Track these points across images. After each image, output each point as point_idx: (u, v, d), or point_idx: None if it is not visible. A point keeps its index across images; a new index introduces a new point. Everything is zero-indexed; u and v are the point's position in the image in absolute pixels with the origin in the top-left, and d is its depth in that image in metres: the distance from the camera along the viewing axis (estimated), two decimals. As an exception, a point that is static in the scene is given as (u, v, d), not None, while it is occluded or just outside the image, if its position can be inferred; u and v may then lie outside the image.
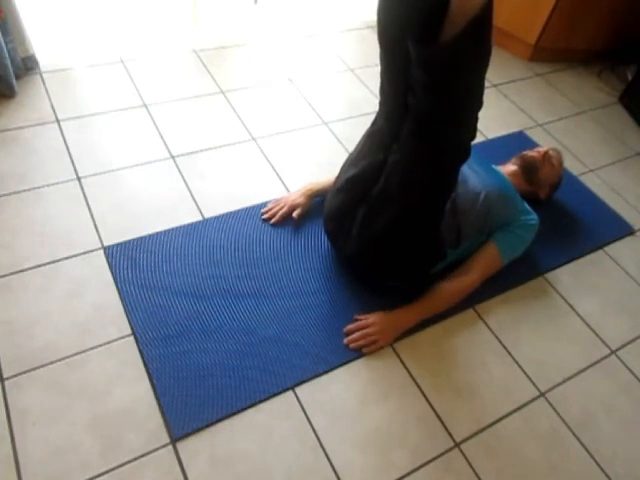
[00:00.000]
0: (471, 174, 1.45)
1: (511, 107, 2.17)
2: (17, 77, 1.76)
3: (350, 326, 1.32)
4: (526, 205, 1.51)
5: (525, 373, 1.33)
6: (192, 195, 1.56)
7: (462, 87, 1.05)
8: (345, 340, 1.29)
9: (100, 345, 1.21)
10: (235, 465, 1.08)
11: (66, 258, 1.36)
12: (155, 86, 1.89)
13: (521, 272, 1.53)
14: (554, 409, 1.27)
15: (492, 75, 2.31)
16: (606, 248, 1.68)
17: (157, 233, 1.44)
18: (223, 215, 1.52)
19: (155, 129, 1.74)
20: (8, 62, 1.64)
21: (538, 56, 2.43)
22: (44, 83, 1.81)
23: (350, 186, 1.29)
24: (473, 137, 1.15)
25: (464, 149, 1.15)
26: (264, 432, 1.13)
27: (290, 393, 1.20)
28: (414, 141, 1.14)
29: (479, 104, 1.09)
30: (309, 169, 1.71)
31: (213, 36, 2.17)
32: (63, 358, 1.18)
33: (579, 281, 1.57)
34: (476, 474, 1.14)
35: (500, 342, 1.38)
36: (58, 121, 1.69)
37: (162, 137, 1.72)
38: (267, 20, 2.32)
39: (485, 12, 0.94)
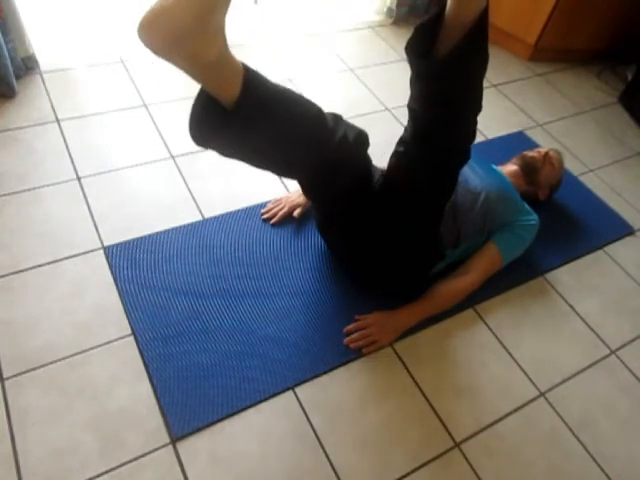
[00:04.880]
0: (471, 174, 1.45)
1: (511, 107, 2.17)
2: (17, 77, 1.76)
3: (350, 326, 1.32)
4: (526, 205, 1.51)
5: (525, 373, 1.33)
6: (192, 195, 1.56)
7: (462, 95, 1.05)
8: (345, 340, 1.29)
9: (100, 345, 1.21)
10: (235, 465, 1.08)
11: (66, 258, 1.36)
12: (155, 86, 1.89)
13: (521, 272, 1.53)
14: (554, 409, 1.27)
15: (492, 75, 2.31)
16: (606, 248, 1.68)
17: (157, 233, 1.44)
18: (223, 215, 1.52)
19: (155, 129, 1.74)
20: (8, 62, 1.64)
21: (538, 56, 2.43)
22: (44, 83, 1.81)
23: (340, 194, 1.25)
24: (472, 140, 1.15)
25: (464, 152, 1.15)
26: (264, 432, 1.13)
27: (290, 393, 1.20)
28: (414, 144, 1.14)
29: (479, 108, 1.10)
30: (309, 169, 1.71)
31: (213, 36, 2.16)
32: (63, 358, 1.18)
33: (579, 281, 1.57)
34: (476, 474, 1.14)
35: (500, 342, 1.38)
36: (58, 121, 1.69)
37: (162, 137, 1.72)
38: (267, 20, 2.32)
39: (481, 24, 0.94)
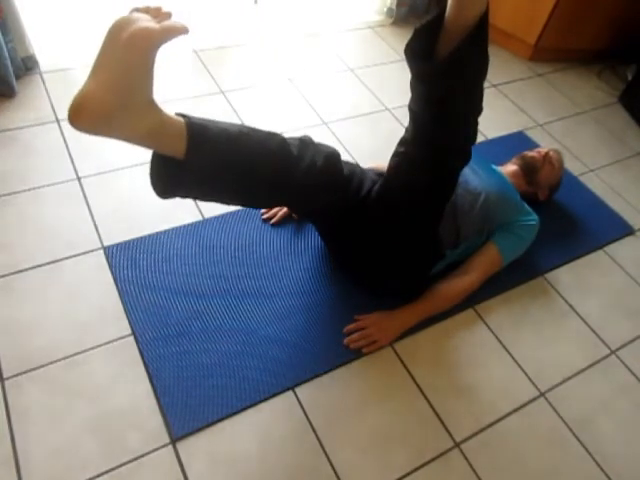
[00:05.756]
0: (471, 175, 1.45)
1: (511, 107, 2.17)
2: (17, 77, 1.76)
3: (350, 326, 1.32)
4: (526, 206, 1.51)
5: (525, 373, 1.33)
6: (192, 195, 1.56)
7: (462, 97, 1.05)
8: (345, 340, 1.29)
9: (100, 345, 1.21)
10: (235, 465, 1.08)
11: (66, 258, 1.36)
12: (155, 86, 1.88)
13: (521, 272, 1.53)
14: (554, 409, 1.27)
15: (492, 75, 2.31)
16: (606, 248, 1.68)
17: (157, 233, 1.44)
18: (223, 215, 1.52)
19: (155, 129, 1.73)
20: (8, 62, 1.64)
21: (538, 56, 2.43)
22: (44, 83, 1.81)
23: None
24: (473, 141, 1.15)
25: (464, 153, 1.15)
26: (264, 432, 1.13)
27: (290, 393, 1.20)
28: (415, 145, 1.14)
29: (479, 110, 1.09)
30: (309, 169, 1.71)
31: (213, 36, 2.17)
32: (63, 358, 1.18)
33: (579, 281, 1.57)
34: (476, 474, 1.14)
35: (500, 342, 1.38)
36: (58, 121, 1.69)
37: (162, 137, 1.71)
38: (267, 20, 2.32)
39: (481, 26, 0.94)
